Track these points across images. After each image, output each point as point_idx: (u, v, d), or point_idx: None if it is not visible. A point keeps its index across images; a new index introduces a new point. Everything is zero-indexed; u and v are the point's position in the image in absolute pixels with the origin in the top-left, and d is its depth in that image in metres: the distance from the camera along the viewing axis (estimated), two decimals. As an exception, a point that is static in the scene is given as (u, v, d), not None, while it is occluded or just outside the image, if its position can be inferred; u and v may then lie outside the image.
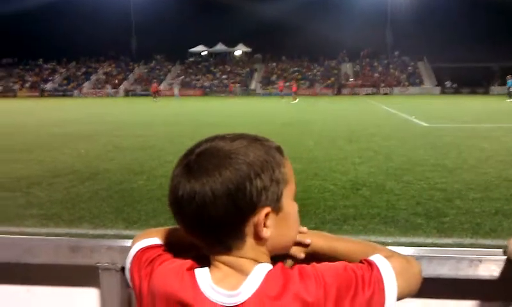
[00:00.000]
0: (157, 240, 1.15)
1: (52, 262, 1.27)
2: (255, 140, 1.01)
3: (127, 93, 70.90)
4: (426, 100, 43.44)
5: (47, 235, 5.23)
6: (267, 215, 0.97)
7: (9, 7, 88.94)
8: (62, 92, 72.98)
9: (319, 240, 1.14)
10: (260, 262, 0.98)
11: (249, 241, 0.97)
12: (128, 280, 1.12)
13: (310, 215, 5.99)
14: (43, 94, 71.27)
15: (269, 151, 1.00)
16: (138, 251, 1.13)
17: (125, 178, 8.49)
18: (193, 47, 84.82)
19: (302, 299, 0.92)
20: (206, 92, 70.37)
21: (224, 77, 77.32)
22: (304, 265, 0.99)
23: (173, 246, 1.13)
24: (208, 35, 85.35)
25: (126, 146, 13.15)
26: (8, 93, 70.49)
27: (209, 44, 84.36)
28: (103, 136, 15.65)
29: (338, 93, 66.07)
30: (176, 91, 61.02)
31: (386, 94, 63.48)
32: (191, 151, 1.00)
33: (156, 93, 52.85)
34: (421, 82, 70.77)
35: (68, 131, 17.63)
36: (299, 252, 1.12)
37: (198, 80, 76.48)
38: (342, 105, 37.41)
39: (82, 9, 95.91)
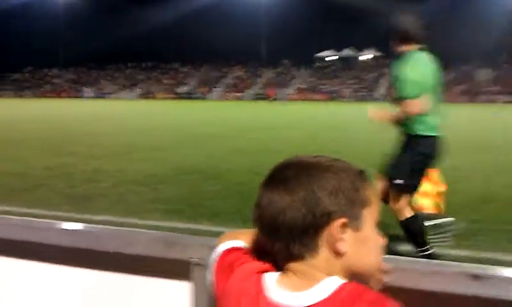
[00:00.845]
0: (241, 243, 1.18)
1: (148, 254, 1.36)
2: (337, 159, 1.05)
3: (255, 97, 72.86)
4: None
5: (171, 230, 5.54)
6: (343, 226, 0.96)
7: (151, 17, 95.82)
8: (195, 95, 76.91)
9: None
10: (332, 275, 0.97)
11: (324, 253, 0.97)
12: (209, 278, 1.16)
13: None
14: (178, 96, 75.73)
15: (351, 172, 1.02)
16: (222, 252, 1.16)
17: (245, 179, 8.71)
18: (321, 52, 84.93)
19: None
20: (332, 97, 70.05)
21: (351, 82, 76.40)
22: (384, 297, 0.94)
23: (257, 249, 1.16)
24: (336, 40, 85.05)
25: (248, 148, 13.55)
26: (148, 95, 75.96)
27: (338, 48, 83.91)
28: (227, 138, 16.26)
29: (472, 100, 62.11)
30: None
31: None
32: (276, 166, 1.06)
33: (271, 97, 53.80)
34: None
35: (197, 132, 18.57)
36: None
37: (324, 85, 76.37)
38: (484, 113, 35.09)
39: (217, 15, 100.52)
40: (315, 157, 1.05)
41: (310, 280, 0.96)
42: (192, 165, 10.35)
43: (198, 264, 1.31)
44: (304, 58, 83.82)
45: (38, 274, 1.54)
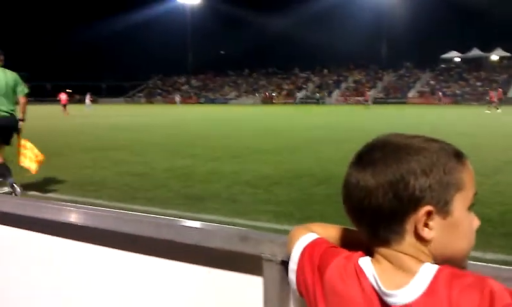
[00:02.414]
0: (316, 235, 1.18)
1: (225, 248, 1.40)
2: (432, 140, 0.99)
3: (375, 101, 71.28)
4: None
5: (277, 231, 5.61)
6: (429, 214, 0.92)
7: (273, 24, 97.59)
8: (314, 99, 77.05)
9: None
10: (421, 261, 0.94)
11: (409, 238, 0.94)
12: (293, 272, 1.15)
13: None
14: (297, 101, 76.41)
15: (445, 153, 0.96)
16: (308, 244, 1.15)
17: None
18: (445, 53, 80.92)
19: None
20: (457, 100, 66.39)
21: (478, 84, 71.85)
22: (481, 276, 0.90)
23: (340, 239, 1.18)
24: (461, 40, 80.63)
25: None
26: (268, 100, 77.62)
27: (462, 49, 79.40)
28: (343, 142, 16.04)
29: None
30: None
31: None
32: (366, 144, 1.03)
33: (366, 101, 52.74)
34: None
35: (313, 135, 18.61)
36: None
37: (449, 87, 72.58)
38: None
39: (336, 19, 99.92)
40: (408, 137, 1.00)
41: (400, 268, 0.95)
42: (305, 169, 10.38)
43: (269, 260, 1.32)
44: (427, 60, 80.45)
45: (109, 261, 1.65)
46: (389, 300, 0.92)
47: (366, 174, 0.96)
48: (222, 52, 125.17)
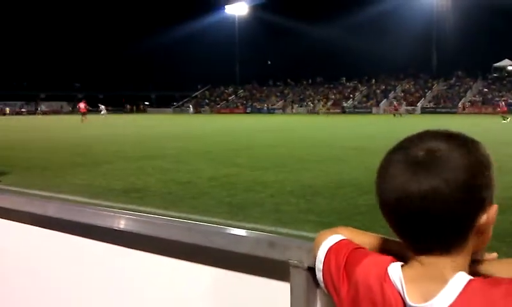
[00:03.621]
0: (343, 236, 1.17)
1: (252, 253, 1.40)
2: (473, 139, 0.97)
3: (424, 111, 69.88)
4: None
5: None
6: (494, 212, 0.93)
7: (319, 33, 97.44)
8: (361, 109, 76.20)
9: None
10: (456, 270, 0.91)
11: (471, 241, 0.93)
12: (320, 271, 1.15)
13: None
14: (343, 111, 75.77)
15: (486, 154, 0.96)
16: (334, 244, 1.15)
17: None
18: (498, 62, 78.55)
19: None
20: (510, 110, 64.16)
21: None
22: None
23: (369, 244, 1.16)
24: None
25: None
26: (315, 110, 77.31)
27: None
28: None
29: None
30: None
31: None
32: (414, 146, 0.95)
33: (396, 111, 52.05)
34: None
35: (358, 145, 18.42)
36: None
37: (502, 96, 70.28)
38: None
39: (384, 28, 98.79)
40: (452, 134, 0.96)
41: (433, 276, 0.92)
42: (350, 179, 10.28)
43: (296, 266, 1.32)
44: (479, 69, 78.30)
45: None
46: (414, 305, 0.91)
47: (434, 180, 0.89)
48: (269, 62, 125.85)
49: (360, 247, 1.11)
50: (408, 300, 0.91)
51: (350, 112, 74.23)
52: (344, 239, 1.16)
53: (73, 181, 10.46)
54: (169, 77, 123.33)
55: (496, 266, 1.01)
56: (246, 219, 6.89)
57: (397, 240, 1.14)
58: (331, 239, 1.17)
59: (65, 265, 1.95)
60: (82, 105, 48.83)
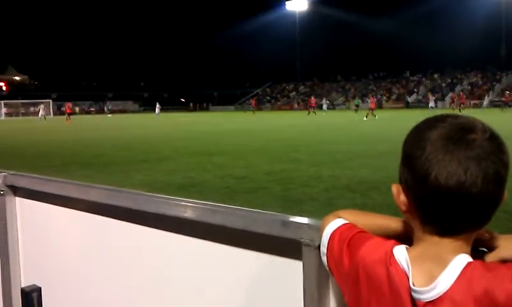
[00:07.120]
0: (345, 221, 1.21)
1: (268, 233, 1.47)
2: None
3: (492, 104, 66.93)
4: None
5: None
6: None
7: (381, 27, 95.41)
8: (425, 103, 73.93)
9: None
10: (461, 251, 0.95)
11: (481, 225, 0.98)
12: (324, 255, 1.21)
13: None
14: (408, 105, 73.84)
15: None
16: (336, 229, 1.19)
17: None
18: None
19: (494, 299, 0.87)
20: None
21: None
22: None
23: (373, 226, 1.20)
24: None
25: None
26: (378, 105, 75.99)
27: None
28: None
29: None
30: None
31: None
32: (470, 132, 0.95)
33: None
34: None
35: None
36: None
37: None
38: None
39: (449, 19, 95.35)
40: (476, 121, 0.97)
41: (440, 260, 0.95)
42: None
43: (307, 245, 1.38)
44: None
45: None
46: (416, 295, 0.94)
47: (471, 163, 0.91)
48: (330, 57, 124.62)
49: (363, 231, 1.15)
50: (412, 285, 0.94)
51: (414, 107, 72.17)
52: (346, 223, 1.20)
53: (137, 176, 10.86)
54: (231, 74, 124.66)
55: (502, 242, 1.04)
56: (300, 213, 6.91)
57: (400, 218, 1.18)
58: (334, 223, 1.21)
59: (133, 254, 2.05)
60: (69, 105, 55.88)
